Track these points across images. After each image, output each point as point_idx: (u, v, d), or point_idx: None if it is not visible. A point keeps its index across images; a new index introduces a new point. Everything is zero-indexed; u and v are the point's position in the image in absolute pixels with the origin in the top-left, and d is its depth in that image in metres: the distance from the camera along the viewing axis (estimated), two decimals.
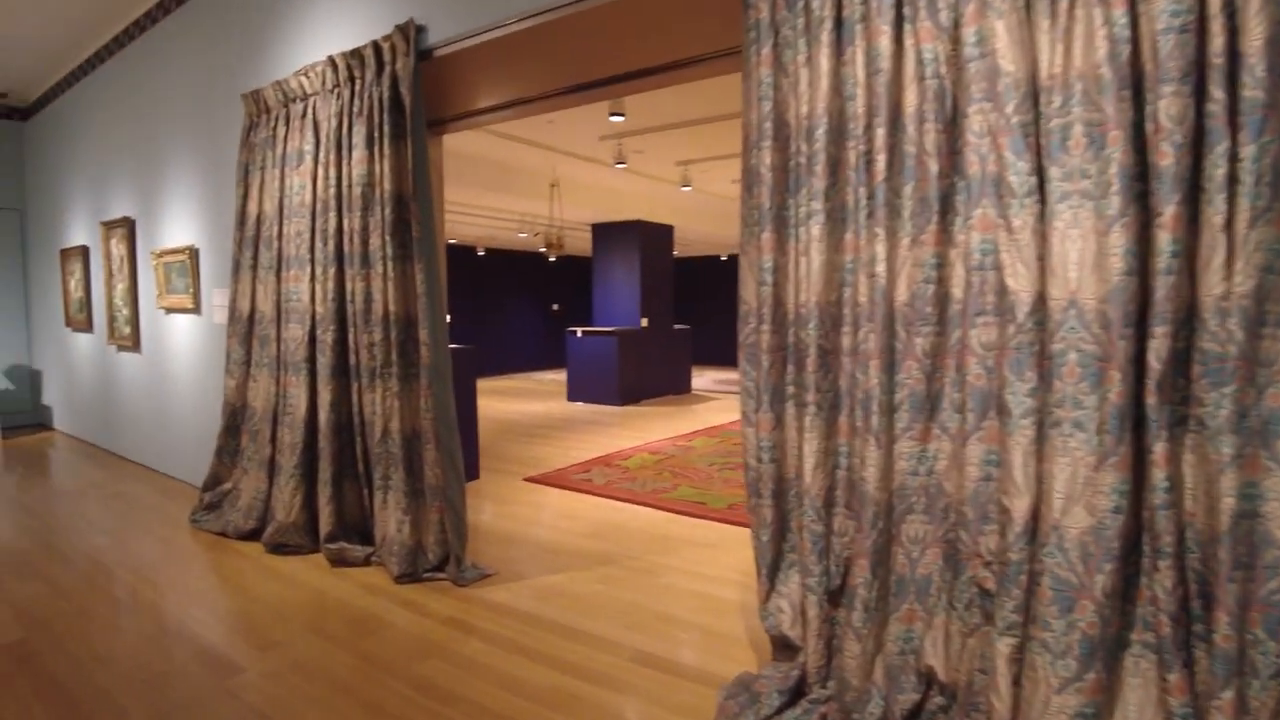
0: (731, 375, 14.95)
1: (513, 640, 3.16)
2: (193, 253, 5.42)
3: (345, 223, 3.96)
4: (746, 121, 2.69)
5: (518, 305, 16.62)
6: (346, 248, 3.96)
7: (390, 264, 3.76)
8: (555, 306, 17.70)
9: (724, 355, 17.18)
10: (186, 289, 5.54)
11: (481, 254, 15.49)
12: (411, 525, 3.82)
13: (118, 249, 6.63)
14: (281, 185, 4.34)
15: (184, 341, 5.76)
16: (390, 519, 3.89)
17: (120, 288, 6.64)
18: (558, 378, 14.66)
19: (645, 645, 3.11)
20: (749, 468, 2.75)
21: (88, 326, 7.46)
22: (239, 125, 4.77)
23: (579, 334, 10.96)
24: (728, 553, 4.24)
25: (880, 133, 2.37)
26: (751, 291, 2.69)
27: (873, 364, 2.39)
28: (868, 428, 2.41)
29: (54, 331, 8.43)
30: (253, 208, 4.54)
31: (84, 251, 7.37)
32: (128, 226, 6.41)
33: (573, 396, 11.10)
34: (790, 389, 2.64)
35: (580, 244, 12.78)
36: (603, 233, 11.74)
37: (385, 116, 3.75)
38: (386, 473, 3.91)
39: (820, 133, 2.49)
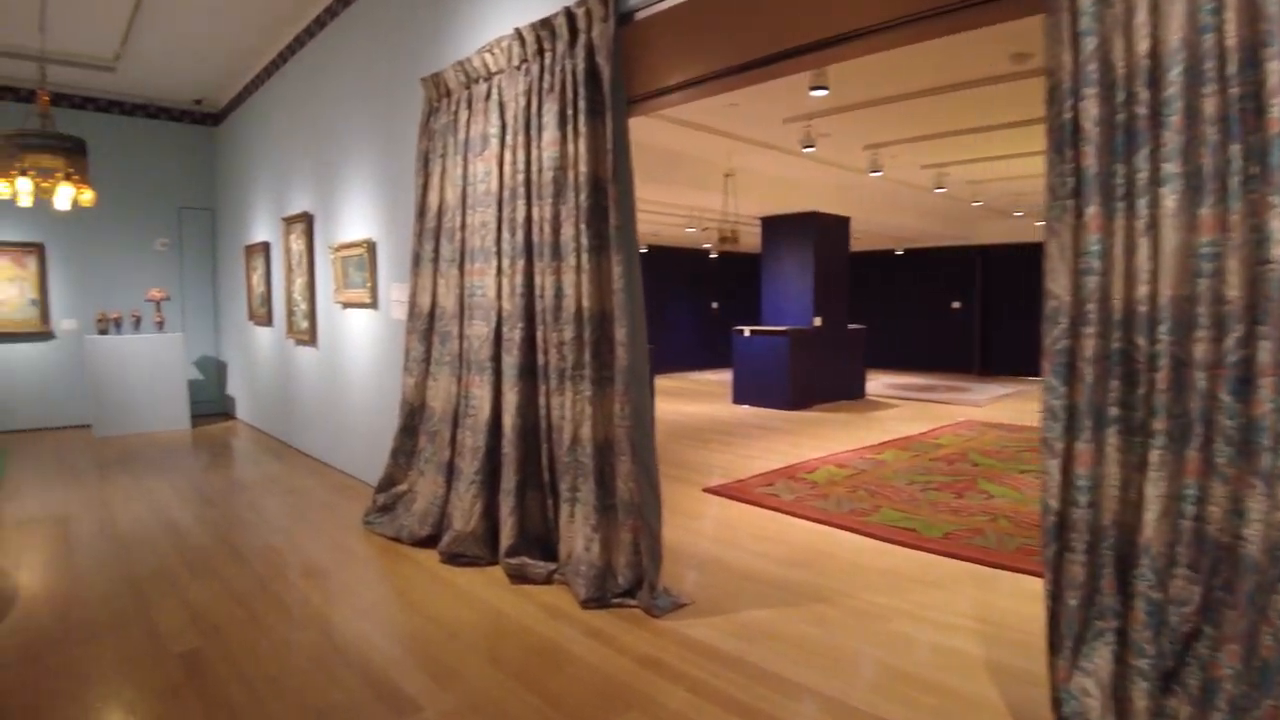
0: (907, 380, 13.97)
1: (723, 692, 2.69)
2: (370, 246, 5.30)
3: (535, 211, 3.63)
4: (1056, 66, 2.11)
5: (676, 304, 16.28)
6: (536, 238, 3.63)
7: (584, 256, 3.38)
8: (714, 305, 17.25)
9: (895, 359, 16.15)
10: (364, 283, 5.43)
11: (644, 251, 15.25)
12: (601, 544, 3.44)
13: (296, 244, 6.69)
14: (464, 173, 4.08)
15: (360, 337, 5.68)
16: (577, 535, 3.52)
17: (299, 282, 6.70)
18: (717, 378, 14.19)
19: (886, 711, 2.57)
20: (1049, 509, 2.16)
21: (268, 321, 7.63)
22: (418, 112, 4.57)
23: (747, 333, 10.41)
24: (954, 593, 3.62)
25: (1274, 67, 1.74)
26: (1065, 283, 2.10)
27: (1265, 381, 1.76)
28: (1253, 467, 1.78)
29: (238, 325, 8.75)
30: (433, 198, 4.31)
31: (265, 247, 7.54)
32: (306, 221, 6.44)
33: (738, 399, 10.56)
34: (1115, 411, 2.03)
35: (745, 239, 12.22)
36: (774, 226, 11.13)
37: (580, 91, 3.38)
38: (575, 484, 3.54)
39: (1176, 73, 1.88)
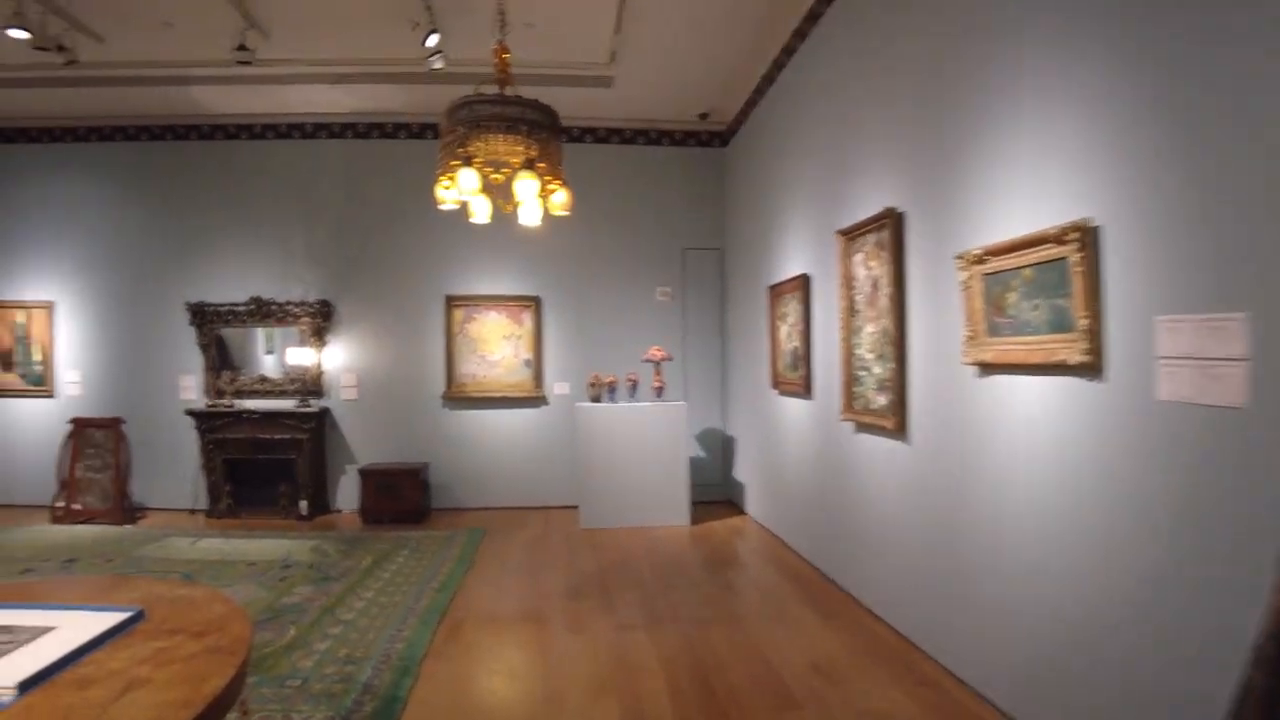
0: None
1: None
2: (1082, 239, 2.41)
3: None
4: None
5: None
6: None
7: None
8: None
9: None
10: (1054, 324, 2.56)
11: None
12: None
13: (865, 268, 4.13)
14: None
15: (1028, 433, 2.79)
16: None
17: (867, 331, 4.12)
18: None
19: None
20: None
21: (804, 389, 5.19)
22: None
23: None
24: None
25: None
26: None
27: None
28: None
29: (754, 392, 6.55)
30: None
31: (803, 283, 5.17)
32: (888, 225, 3.84)
33: None
34: None
35: None
36: None
37: None
38: None
39: None
